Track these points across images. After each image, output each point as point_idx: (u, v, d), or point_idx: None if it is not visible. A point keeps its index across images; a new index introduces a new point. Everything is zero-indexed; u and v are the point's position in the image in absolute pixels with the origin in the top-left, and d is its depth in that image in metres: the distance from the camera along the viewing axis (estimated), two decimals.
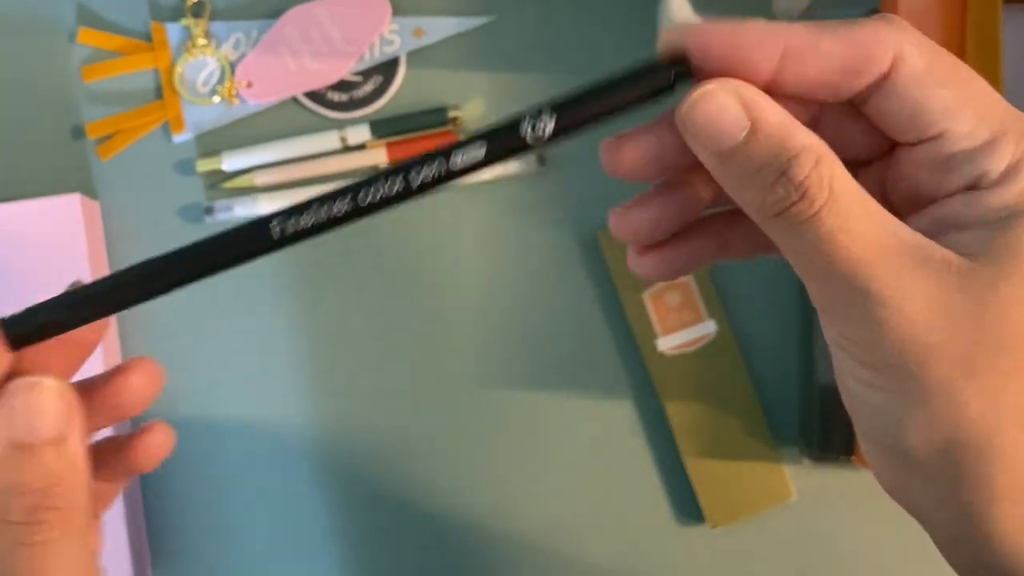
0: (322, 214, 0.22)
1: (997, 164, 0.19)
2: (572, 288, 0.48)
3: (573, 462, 0.48)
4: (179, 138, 0.49)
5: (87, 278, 0.45)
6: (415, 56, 0.49)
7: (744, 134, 0.19)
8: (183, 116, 0.48)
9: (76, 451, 0.23)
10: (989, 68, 0.42)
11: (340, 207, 0.22)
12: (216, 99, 0.48)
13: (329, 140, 0.48)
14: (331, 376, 0.48)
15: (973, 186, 0.19)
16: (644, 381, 0.48)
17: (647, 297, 0.47)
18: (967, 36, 0.44)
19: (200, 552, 0.48)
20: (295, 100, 0.49)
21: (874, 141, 0.21)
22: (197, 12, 0.49)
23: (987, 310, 0.18)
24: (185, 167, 0.49)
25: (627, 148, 0.22)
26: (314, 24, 0.48)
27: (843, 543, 0.47)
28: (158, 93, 0.49)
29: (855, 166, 0.21)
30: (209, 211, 0.48)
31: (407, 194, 0.22)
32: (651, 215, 0.23)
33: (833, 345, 0.21)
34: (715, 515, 0.46)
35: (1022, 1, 0.45)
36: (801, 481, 0.47)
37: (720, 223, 0.24)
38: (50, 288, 0.44)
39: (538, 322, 0.48)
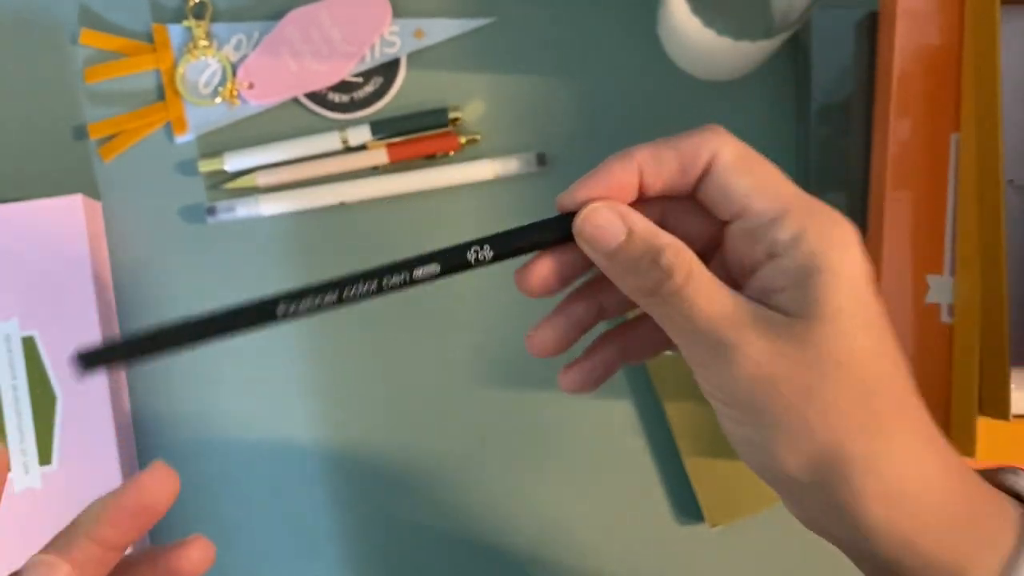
0: (315, 302, 0.28)
1: (784, 234, 0.25)
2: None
3: (573, 462, 0.48)
4: (181, 139, 0.49)
5: (88, 278, 0.45)
6: (415, 57, 0.49)
7: (623, 238, 0.26)
8: (185, 117, 0.49)
9: None
10: (987, 68, 0.42)
11: (330, 298, 0.28)
12: (218, 100, 0.49)
13: (330, 141, 0.48)
14: (332, 376, 0.48)
15: (773, 254, 0.25)
16: (644, 381, 0.48)
17: None
18: (965, 36, 0.44)
19: None
20: (296, 101, 0.49)
21: (707, 228, 0.28)
22: (199, 13, 0.49)
23: (807, 350, 0.24)
24: (187, 168, 0.49)
25: (534, 271, 0.28)
26: (315, 25, 0.48)
27: None
28: (160, 94, 0.49)
29: (705, 256, 0.28)
30: (211, 211, 0.48)
31: (379, 292, 0.28)
32: (555, 332, 0.29)
33: (707, 397, 0.26)
34: (714, 514, 0.46)
35: (1020, 2, 0.45)
36: None
37: (618, 335, 0.30)
38: (52, 288, 0.44)
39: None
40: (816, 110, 0.47)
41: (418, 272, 0.29)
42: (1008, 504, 0.25)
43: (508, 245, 0.28)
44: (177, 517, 0.48)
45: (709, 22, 0.42)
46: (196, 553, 0.29)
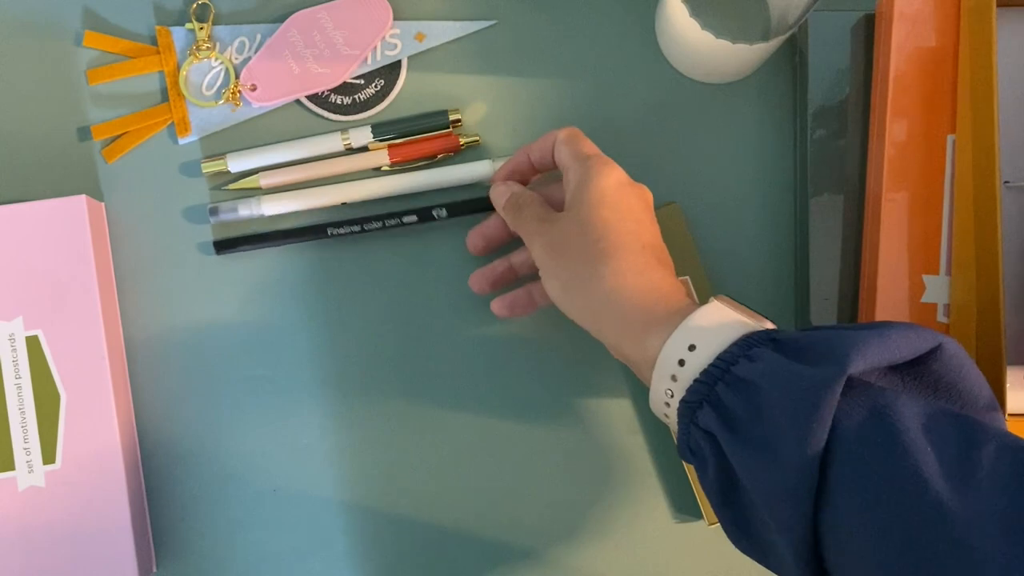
0: (348, 229, 0.47)
1: (575, 171, 0.42)
2: None
3: (573, 461, 0.48)
4: (184, 140, 0.49)
5: (92, 277, 0.46)
6: (417, 59, 0.50)
7: (508, 197, 0.45)
8: (188, 118, 0.49)
9: None
10: (983, 70, 0.42)
11: (355, 228, 0.47)
12: (221, 102, 0.49)
13: (332, 142, 0.49)
14: (338, 372, 0.49)
15: (569, 183, 0.43)
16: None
17: None
18: (961, 38, 0.44)
19: (203, 549, 0.48)
20: (298, 103, 0.49)
21: (558, 192, 0.45)
22: (201, 16, 0.49)
23: (568, 224, 0.41)
24: (190, 169, 0.49)
25: (469, 235, 0.47)
26: (317, 28, 0.49)
27: None
28: (163, 96, 0.49)
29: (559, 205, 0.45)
30: (214, 212, 0.48)
31: (383, 228, 0.48)
32: (482, 275, 0.47)
33: (535, 261, 0.42)
34: (712, 512, 0.47)
35: (1016, 4, 0.46)
36: None
37: (529, 285, 0.46)
38: (56, 287, 0.45)
39: (537, 322, 0.49)
40: (813, 112, 0.47)
41: (405, 219, 0.47)
42: (689, 302, 0.39)
43: (456, 209, 0.48)
44: (180, 516, 0.48)
45: (707, 25, 0.42)
46: None
